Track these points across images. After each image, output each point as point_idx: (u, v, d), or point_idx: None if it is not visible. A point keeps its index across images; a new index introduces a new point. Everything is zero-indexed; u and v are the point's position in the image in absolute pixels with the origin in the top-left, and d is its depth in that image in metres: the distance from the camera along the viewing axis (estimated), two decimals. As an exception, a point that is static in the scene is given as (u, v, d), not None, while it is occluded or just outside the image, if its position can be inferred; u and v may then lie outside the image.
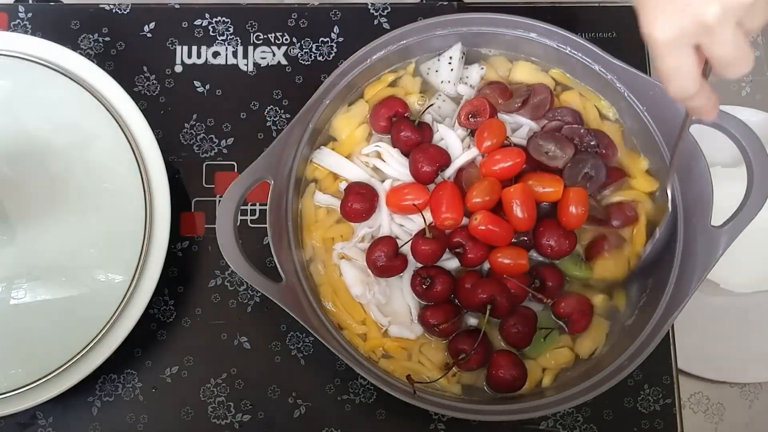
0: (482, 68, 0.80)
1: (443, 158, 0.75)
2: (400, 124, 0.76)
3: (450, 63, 0.79)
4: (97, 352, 0.72)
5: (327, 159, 0.77)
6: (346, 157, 0.77)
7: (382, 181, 0.76)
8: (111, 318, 0.72)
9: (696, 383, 1.12)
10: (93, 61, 0.77)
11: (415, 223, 0.75)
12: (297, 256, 0.73)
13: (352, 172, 0.76)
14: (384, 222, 0.75)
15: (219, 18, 0.86)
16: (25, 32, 0.84)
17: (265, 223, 0.75)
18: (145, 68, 0.84)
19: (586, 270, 0.75)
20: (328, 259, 0.75)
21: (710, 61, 0.53)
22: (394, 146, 0.77)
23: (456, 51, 0.79)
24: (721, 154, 0.86)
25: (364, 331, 0.73)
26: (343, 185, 0.76)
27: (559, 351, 0.74)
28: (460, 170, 0.76)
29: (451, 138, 0.76)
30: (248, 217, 0.81)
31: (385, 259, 0.72)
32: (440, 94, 0.79)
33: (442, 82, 0.79)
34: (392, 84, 0.80)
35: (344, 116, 0.78)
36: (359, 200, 0.74)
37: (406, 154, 0.77)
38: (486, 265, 0.75)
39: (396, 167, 0.76)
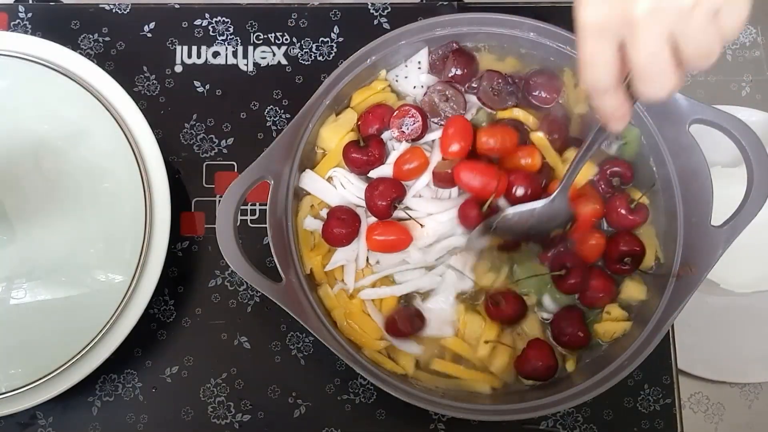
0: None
1: (397, 190, 0.74)
2: (348, 148, 0.75)
3: (420, 68, 0.79)
4: (97, 352, 0.72)
5: (312, 184, 0.76)
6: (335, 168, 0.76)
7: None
8: (111, 318, 0.72)
9: (696, 383, 1.12)
10: (93, 61, 0.77)
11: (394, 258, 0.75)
12: (297, 256, 0.73)
13: (335, 198, 0.76)
14: (361, 253, 0.74)
15: (219, 18, 0.86)
16: (25, 32, 0.84)
17: (265, 223, 0.75)
18: (145, 68, 0.84)
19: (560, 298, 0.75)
20: (333, 283, 0.75)
21: (628, 64, 0.51)
22: (350, 169, 0.76)
23: (423, 55, 0.79)
24: (721, 154, 0.86)
25: (385, 345, 0.73)
26: (324, 212, 0.75)
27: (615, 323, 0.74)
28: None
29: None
30: (248, 217, 0.81)
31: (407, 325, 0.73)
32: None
33: (414, 87, 0.79)
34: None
35: (332, 126, 0.77)
36: (340, 225, 0.73)
37: (362, 174, 0.76)
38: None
39: (355, 192, 0.76)
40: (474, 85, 0.78)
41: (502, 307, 0.73)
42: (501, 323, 0.74)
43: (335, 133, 0.76)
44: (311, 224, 0.75)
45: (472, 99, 0.78)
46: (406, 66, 0.79)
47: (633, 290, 0.75)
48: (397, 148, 0.76)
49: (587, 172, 0.76)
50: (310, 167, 0.76)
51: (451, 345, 0.73)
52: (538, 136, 0.76)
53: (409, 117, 0.76)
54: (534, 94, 0.78)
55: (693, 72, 0.49)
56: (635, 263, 0.74)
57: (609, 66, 0.52)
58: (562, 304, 0.75)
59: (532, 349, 0.73)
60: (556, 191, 0.71)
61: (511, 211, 0.72)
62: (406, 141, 0.76)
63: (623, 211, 0.75)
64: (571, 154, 0.76)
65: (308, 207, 0.76)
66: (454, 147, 0.74)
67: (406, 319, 0.73)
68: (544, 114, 0.78)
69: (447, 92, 0.77)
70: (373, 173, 0.76)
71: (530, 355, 0.72)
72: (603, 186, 0.76)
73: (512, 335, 0.74)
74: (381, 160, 0.76)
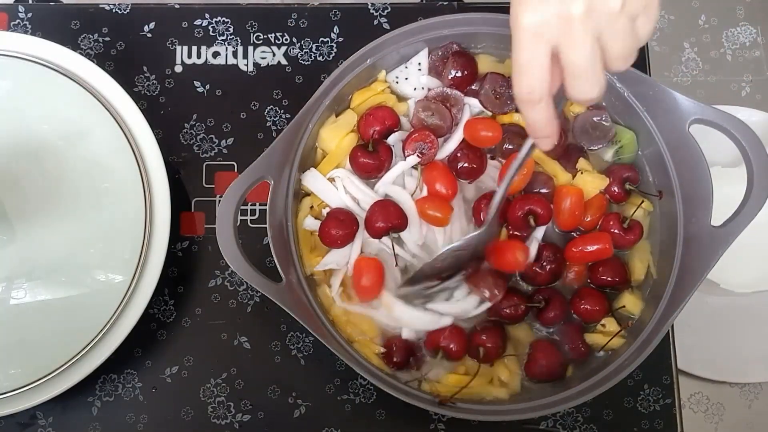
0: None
1: (399, 219, 0.73)
2: (356, 152, 0.75)
3: (420, 69, 0.79)
4: (97, 352, 0.72)
5: (315, 183, 0.75)
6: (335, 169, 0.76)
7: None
8: (111, 318, 0.72)
9: (696, 383, 1.12)
10: (93, 61, 0.77)
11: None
12: (297, 256, 0.73)
13: (336, 200, 0.75)
14: (352, 259, 0.74)
15: (219, 18, 0.86)
16: (25, 32, 0.84)
17: (265, 223, 0.75)
18: (145, 68, 0.84)
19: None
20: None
21: (563, 67, 0.53)
22: (355, 173, 0.76)
23: (423, 56, 0.79)
24: (721, 154, 0.86)
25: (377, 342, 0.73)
26: (324, 211, 0.75)
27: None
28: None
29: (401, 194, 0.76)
30: (248, 217, 0.81)
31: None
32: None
33: (415, 89, 0.79)
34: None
35: (332, 127, 0.77)
36: (338, 226, 0.73)
37: (368, 179, 0.76)
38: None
39: (356, 194, 0.75)
40: (474, 87, 0.78)
41: (487, 346, 0.72)
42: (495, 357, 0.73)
43: (335, 134, 0.76)
44: (311, 224, 0.75)
45: (473, 101, 0.78)
46: (406, 67, 0.79)
47: (628, 302, 0.75)
48: (405, 161, 0.76)
49: (596, 185, 0.75)
50: (310, 167, 0.77)
51: (452, 381, 0.73)
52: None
53: (428, 141, 0.75)
54: None
55: (612, 73, 0.53)
56: (619, 287, 0.75)
57: (545, 71, 0.53)
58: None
59: (538, 351, 0.73)
60: (489, 218, 0.70)
61: (446, 249, 0.71)
62: (421, 164, 0.76)
63: (617, 231, 0.75)
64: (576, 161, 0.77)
65: (308, 207, 0.76)
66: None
67: (402, 351, 0.72)
68: None
69: (432, 107, 0.77)
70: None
71: (538, 357, 0.72)
72: (616, 191, 0.76)
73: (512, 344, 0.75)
74: (389, 166, 0.76)
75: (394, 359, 0.72)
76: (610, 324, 0.73)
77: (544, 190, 0.76)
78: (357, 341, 0.73)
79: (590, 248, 0.74)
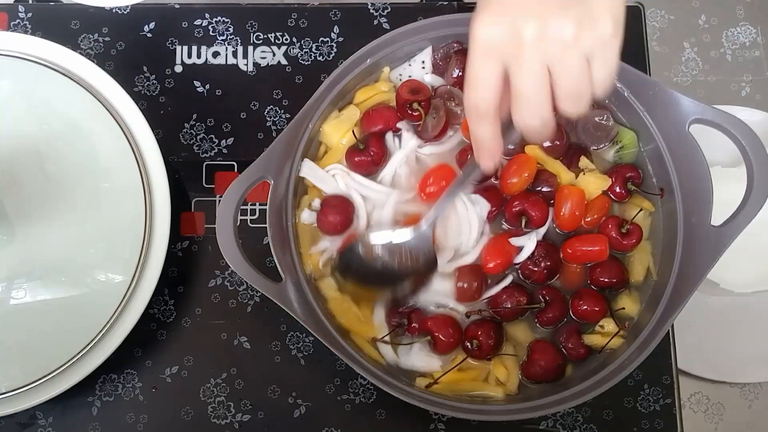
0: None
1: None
2: (350, 154, 0.75)
3: (423, 67, 0.79)
4: (97, 352, 0.72)
5: (311, 173, 0.75)
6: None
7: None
8: (111, 318, 0.72)
9: (696, 383, 1.12)
10: (93, 61, 0.77)
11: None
12: (297, 256, 0.73)
13: (333, 189, 0.75)
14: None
15: (219, 18, 0.86)
16: (25, 32, 0.84)
17: (265, 223, 0.75)
18: (145, 68, 0.84)
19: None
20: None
21: (512, 90, 0.53)
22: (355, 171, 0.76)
23: (427, 54, 0.79)
24: (721, 154, 0.86)
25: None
26: (316, 202, 0.75)
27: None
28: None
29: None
30: (248, 217, 0.81)
31: None
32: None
33: None
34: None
35: (334, 122, 0.77)
36: (334, 212, 0.74)
37: (370, 174, 0.76)
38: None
39: (355, 187, 0.76)
40: None
41: (482, 344, 0.72)
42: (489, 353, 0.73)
43: (337, 129, 0.76)
44: (308, 218, 0.75)
45: None
46: (410, 65, 0.79)
47: (627, 304, 0.75)
48: (403, 147, 0.76)
49: (598, 185, 0.76)
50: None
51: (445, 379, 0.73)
52: (532, 147, 0.76)
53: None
54: None
55: (566, 114, 0.53)
56: (618, 288, 0.75)
57: (493, 88, 0.53)
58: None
59: (536, 352, 0.73)
60: (425, 221, 0.70)
61: (378, 241, 0.70)
62: (424, 139, 0.76)
63: (615, 235, 0.74)
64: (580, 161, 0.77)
65: (307, 205, 0.76)
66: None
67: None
68: None
69: (455, 94, 0.77)
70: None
71: (536, 358, 0.72)
72: (618, 190, 0.76)
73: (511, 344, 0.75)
74: (384, 157, 0.76)
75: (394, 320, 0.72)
76: (608, 325, 0.73)
77: (545, 189, 0.76)
78: (354, 331, 0.73)
79: (586, 249, 0.74)
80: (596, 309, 0.73)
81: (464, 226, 0.74)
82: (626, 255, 0.76)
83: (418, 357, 0.73)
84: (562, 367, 0.73)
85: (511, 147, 0.76)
